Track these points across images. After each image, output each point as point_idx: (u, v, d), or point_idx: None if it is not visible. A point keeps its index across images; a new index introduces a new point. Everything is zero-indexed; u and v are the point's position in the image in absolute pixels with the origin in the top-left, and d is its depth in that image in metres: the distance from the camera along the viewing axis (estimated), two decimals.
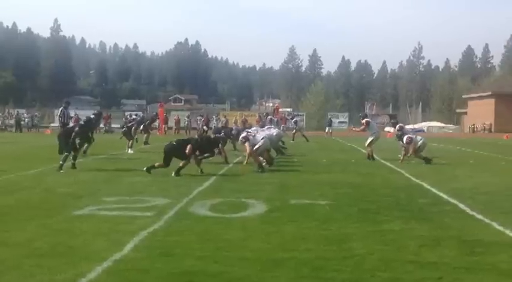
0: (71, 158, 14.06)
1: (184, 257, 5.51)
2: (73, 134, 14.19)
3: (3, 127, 52.87)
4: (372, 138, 18.12)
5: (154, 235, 6.49)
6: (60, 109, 20.31)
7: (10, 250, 5.75)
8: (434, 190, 10.68)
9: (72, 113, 32.75)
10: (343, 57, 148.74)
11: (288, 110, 79.16)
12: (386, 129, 39.09)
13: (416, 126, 70.12)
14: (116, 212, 8.00)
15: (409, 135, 17.48)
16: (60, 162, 13.62)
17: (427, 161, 16.55)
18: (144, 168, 12.82)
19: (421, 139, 17.40)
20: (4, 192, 9.97)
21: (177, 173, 12.52)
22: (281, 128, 40.09)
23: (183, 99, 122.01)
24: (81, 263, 5.23)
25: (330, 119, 50.84)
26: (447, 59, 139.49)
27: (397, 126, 18.45)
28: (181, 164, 12.72)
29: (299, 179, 12.55)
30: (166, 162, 12.93)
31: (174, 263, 5.29)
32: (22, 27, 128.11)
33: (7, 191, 10.18)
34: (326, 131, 45.90)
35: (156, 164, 12.94)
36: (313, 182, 11.85)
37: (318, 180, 12.31)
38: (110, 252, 5.59)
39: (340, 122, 65.89)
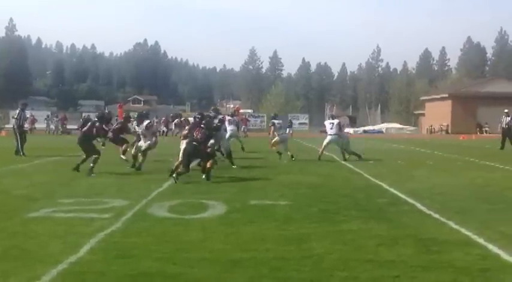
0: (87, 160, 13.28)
1: (141, 259, 5.43)
2: (94, 130, 13.44)
3: None
4: (327, 141, 18.36)
5: (111, 237, 6.39)
6: (18, 111, 20.00)
7: None
8: (392, 190, 10.80)
9: (27, 114, 32.10)
10: (304, 59, 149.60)
11: (249, 111, 79.39)
12: (346, 130, 39.46)
13: (376, 127, 71.15)
14: (73, 214, 7.85)
15: (274, 120, 18.73)
16: (91, 164, 12.95)
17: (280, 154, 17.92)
18: (174, 176, 11.79)
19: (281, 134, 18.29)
20: None
21: (208, 177, 11.93)
22: (242, 128, 40.35)
23: (143, 100, 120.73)
24: (35, 266, 5.12)
25: (290, 120, 51.13)
26: (405, 61, 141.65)
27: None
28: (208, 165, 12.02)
29: (259, 180, 12.55)
30: (186, 163, 12.13)
31: (131, 265, 5.21)
32: None
33: None
34: (287, 132, 46.16)
35: (177, 164, 12.43)
36: (273, 183, 11.87)
37: (278, 181, 12.33)
38: (66, 255, 5.48)
39: (300, 123, 66.48)
